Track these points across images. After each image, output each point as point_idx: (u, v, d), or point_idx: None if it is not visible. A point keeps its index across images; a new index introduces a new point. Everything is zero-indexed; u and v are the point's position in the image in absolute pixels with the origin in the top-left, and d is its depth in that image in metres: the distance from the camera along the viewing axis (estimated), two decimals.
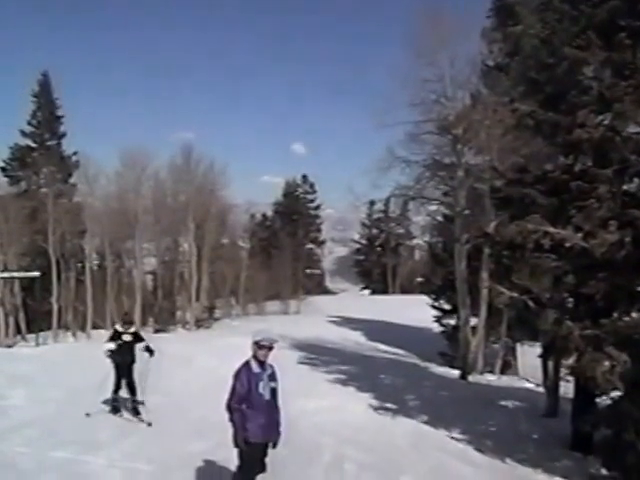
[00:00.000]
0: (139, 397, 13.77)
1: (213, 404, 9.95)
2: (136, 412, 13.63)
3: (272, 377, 7.83)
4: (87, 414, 13.39)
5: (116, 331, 13.86)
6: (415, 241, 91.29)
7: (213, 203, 55.91)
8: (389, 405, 16.77)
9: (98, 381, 13.64)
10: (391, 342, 34.71)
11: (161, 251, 55.92)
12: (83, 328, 48.22)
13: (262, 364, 7.72)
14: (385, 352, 31.70)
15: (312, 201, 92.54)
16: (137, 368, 13.87)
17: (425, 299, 35.25)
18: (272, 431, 7.77)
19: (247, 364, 7.71)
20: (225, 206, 61.01)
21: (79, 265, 51.26)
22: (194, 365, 21.47)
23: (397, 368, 25.14)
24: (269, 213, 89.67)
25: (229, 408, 7.53)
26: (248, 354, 7.76)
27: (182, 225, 52.56)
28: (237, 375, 7.63)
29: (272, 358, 7.83)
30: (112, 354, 13.46)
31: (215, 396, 9.30)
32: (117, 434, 12.36)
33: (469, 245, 25.02)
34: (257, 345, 7.66)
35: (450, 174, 26.33)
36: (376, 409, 16.34)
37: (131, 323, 14.24)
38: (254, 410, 7.54)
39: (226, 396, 7.58)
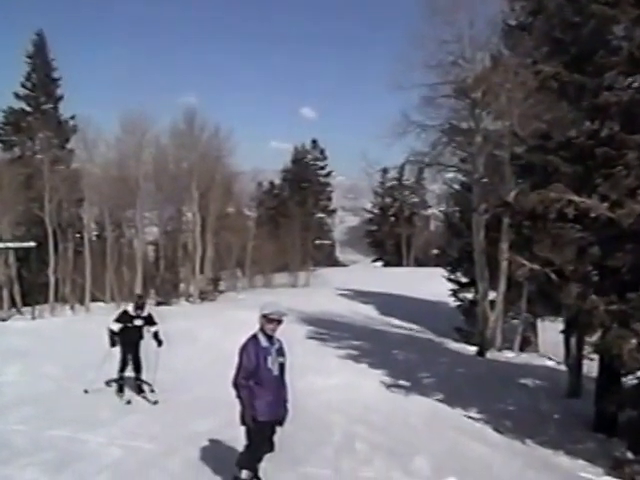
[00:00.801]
0: (144, 375, 13.85)
1: (219, 381, 9.99)
2: (140, 390, 13.73)
3: (280, 352, 7.81)
4: (85, 391, 13.49)
5: (126, 313, 13.75)
6: (430, 210, 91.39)
7: (218, 170, 55.59)
8: (402, 382, 16.82)
9: (99, 357, 13.69)
10: (404, 317, 34.71)
11: (163, 220, 55.84)
12: (82, 301, 48.62)
13: (270, 338, 7.69)
14: (398, 327, 31.74)
15: (322, 168, 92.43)
16: (144, 344, 13.93)
17: (441, 271, 35.20)
18: (280, 409, 7.79)
19: (254, 338, 7.68)
20: (231, 173, 60.72)
21: (77, 235, 51.45)
22: (199, 340, 21.58)
23: (411, 344, 25.19)
24: (277, 181, 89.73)
25: (236, 385, 7.50)
26: (255, 329, 7.73)
27: (185, 193, 52.43)
28: (244, 349, 7.59)
29: (280, 332, 7.81)
30: (114, 335, 13.46)
31: (221, 373, 9.33)
32: (118, 412, 12.43)
33: (488, 215, 24.91)
34: (266, 318, 7.62)
35: (468, 140, 26.16)
36: (389, 386, 16.40)
37: (143, 307, 14.02)
38: (262, 386, 7.52)
39: (232, 372, 7.57)
